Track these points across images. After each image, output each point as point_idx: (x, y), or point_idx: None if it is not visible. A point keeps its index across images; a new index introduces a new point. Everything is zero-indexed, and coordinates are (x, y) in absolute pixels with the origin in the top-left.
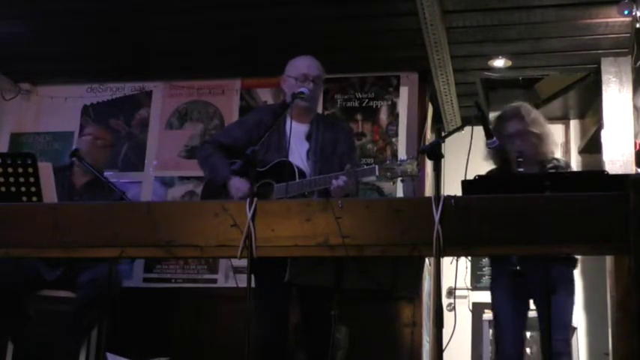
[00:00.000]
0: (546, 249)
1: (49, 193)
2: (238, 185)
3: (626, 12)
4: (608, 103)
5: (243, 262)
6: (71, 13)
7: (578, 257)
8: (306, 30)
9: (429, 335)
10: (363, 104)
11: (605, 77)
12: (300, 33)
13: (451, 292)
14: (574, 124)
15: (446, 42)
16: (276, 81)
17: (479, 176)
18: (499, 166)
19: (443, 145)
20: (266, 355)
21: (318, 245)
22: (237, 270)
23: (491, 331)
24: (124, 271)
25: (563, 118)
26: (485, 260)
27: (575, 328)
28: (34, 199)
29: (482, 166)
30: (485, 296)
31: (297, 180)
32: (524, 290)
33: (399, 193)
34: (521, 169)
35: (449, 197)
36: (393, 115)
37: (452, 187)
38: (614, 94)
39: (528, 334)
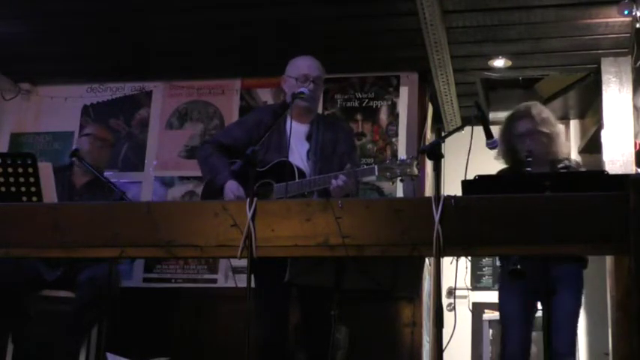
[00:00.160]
0: (546, 249)
1: (49, 193)
2: (230, 190)
3: (626, 12)
4: (608, 103)
5: (243, 262)
6: (71, 13)
7: (587, 257)
8: (306, 30)
9: (429, 335)
10: (363, 104)
11: (605, 77)
12: (300, 33)
13: (451, 292)
14: (574, 124)
15: (446, 42)
16: (276, 81)
17: (479, 176)
18: (510, 165)
19: (443, 145)
20: (266, 355)
21: (318, 245)
22: (237, 270)
23: (491, 331)
24: (124, 271)
25: (563, 118)
26: (486, 260)
27: None
28: (34, 199)
29: (482, 166)
30: (485, 296)
31: (297, 180)
32: (530, 290)
33: (399, 193)
34: (529, 169)
35: (449, 197)
36: (393, 115)
37: (452, 187)
38: (614, 94)
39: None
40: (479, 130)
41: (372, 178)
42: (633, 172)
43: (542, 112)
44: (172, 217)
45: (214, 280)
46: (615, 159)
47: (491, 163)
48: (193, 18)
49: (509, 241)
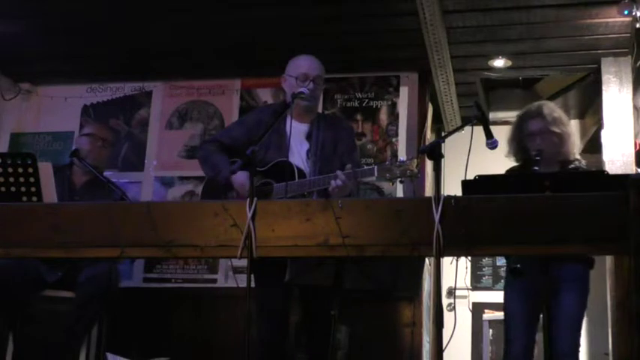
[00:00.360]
0: (546, 249)
1: (49, 193)
2: (242, 181)
3: (626, 12)
4: (608, 103)
5: (243, 262)
6: (71, 13)
7: (593, 257)
8: (306, 30)
9: (429, 335)
10: (363, 104)
11: (605, 77)
12: (300, 33)
13: (451, 292)
14: (574, 124)
15: (446, 42)
16: (276, 81)
17: (479, 176)
18: (520, 164)
19: (443, 145)
20: (266, 355)
21: (318, 245)
22: (237, 270)
23: (491, 331)
24: (124, 271)
25: None
26: (486, 260)
27: None
28: (34, 199)
29: (482, 166)
30: (485, 296)
31: (297, 180)
32: (534, 290)
33: (400, 193)
34: (537, 168)
35: (449, 197)
36: (393, 115)
37: (452, 187)
38: (614, 94)
39: None
40: (479, 130)
41: (372, 179)
42: (633, 172)
43: (554, 111)
44: (172, 217)
45: (214, 280)
46: (615, 159)
47: (491, 163)
48: (193, 18)
49: (509, 241)
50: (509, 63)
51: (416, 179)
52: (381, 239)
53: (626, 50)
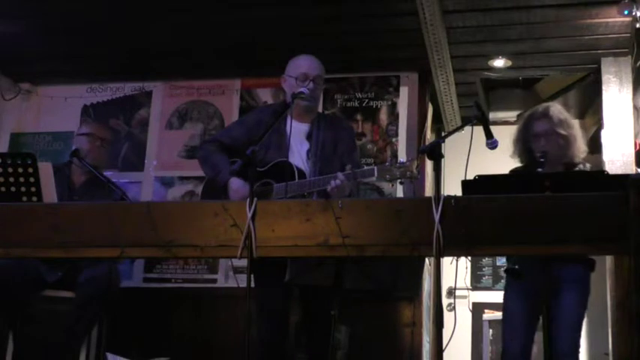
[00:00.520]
0: (546, 249)
1: (49, 193)
2: (236, 187)
3: (626, 12)
4: (608, 103)
5: (243, 262)
6: (71, 13)
7: (594, 259)
8: (306, 30)
9: (429, 335)
10: (363, 104)
11: (605, 77)
12: (300, 33)
13: (451, 292)
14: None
15: (446, 42)
16: (276, 81)
17: (479, 176)
18: (525, 164)
19: (443, 145)
20: (266, 355)
21: (318, 245)
22: (237, 270)
23: (491, 331)
24: (124, 271)
25: None
26: (486, 260)
27: None
28: (34, 199)
29: (482, 166)
30: (485, 296)
31: (297, 180)
32: (533, 291)
33: (400, 194)
34: (540, 170)
35: (449, 197)
36: (393, 115)
37: (452, 187)
38: (614, 94)
39: None
40: (479, 130)
41: (372, 179)
42: (633, 172)
43: (561, 113)
44: (172, 217)
45: (214, 280)
46: (615, 159)
47: (491, 163)
48: (193, 18)
49: (509, 241)
50: (509, 63)
51: (415, 180)
52: (381, 239)
53: (626, 50)
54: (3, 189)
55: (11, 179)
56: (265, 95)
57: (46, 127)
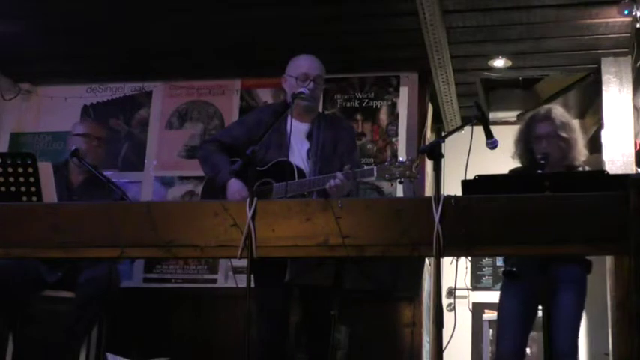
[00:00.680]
0: (546, 249)
1: (49, 193)
2: (234, 190)
3: (626, 12)
4: (608, 103)
5: (243, 262)
6: (71, 13)
7: (591, 260)
8: (306, 30)
9: (429, 335)
10: (363, 104)
11: (605, 77)
12: (300, 33)
13: (451, 292)
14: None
15: (446, 42)
16: (276, 81)
17: (479, 176)
18: (525, 165)
19: (443, 145)
20: (266, 355)
21: (318, 245)
22: (237, 270)
23: (491, 331)
24: (124, 271)
25: None
26: (486, 260)
27: None
28: (34, 199)
29: (482, 166)
30: (485, 296)
31: (297, 180)
32: (529, 291)
33: (400, 193)
34: (541, 172)
35: (449, 197)
36: (393, 115)
37: (452, 187)
38: (614, 94)
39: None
40: (479, 130)
41: (371, 179)
42: (633, 172)
43: (563, 116)
44: (172, 217)
45: (214, 280)
46: (615, 159)
47: (491, 163)
48: (193, 18)
49: (509, 241)
50: (509, 63)
51: (415, 180)
52: (381, 239)
53: (626, 50)
54: (3, 189)
55: (11, 179)
56: (265, 95)
57: (46, 127)
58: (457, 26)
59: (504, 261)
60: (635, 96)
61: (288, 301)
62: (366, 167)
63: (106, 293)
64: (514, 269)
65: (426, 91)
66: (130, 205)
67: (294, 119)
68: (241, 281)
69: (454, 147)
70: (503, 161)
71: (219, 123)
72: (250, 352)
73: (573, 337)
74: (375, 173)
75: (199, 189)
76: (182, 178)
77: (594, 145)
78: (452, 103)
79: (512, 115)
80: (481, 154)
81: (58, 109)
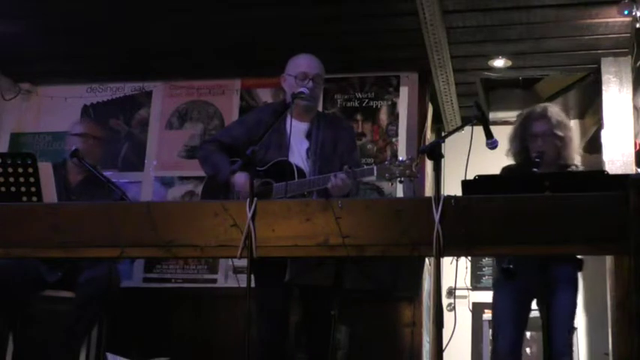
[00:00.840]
0: (546, 249)
1: (49, 193)
2: (242, 182)
3: (626, 12)
4: (608, 103)
5: (243, 262)
6: (71, 13)
7: (582, 259)
8: (306, 30)
9: (429, 335)
10: (363, 104)
11: (605, 77)
12: (300, 33)
13: (451, 292)
14: (574, 124)
15: (446, 42)
16: (276, 81)
17: (479, 176)
18: (519, 163)
19: (443, 145)
20: (266, 355)
21: (318, 245)
22: (237, 270)
23: (491, 331)
24: (124, 271)
25: None
26: (486, 260)
27: (575, 329)
28: (34, 199)
29: (482, 166)
30: (485, 296)
31: (297, 180)
32: (523, 290)
33: (400, 193)
34: (536, 170)
35: (449, 197)
36: (393, 115)
37: (452, 187)
38: (614, 94)
39: (528, 334)
40: (479, 130)
41: (371, 178)
42: (633, 172)
43: (559, 115)
44: (172, 217)
45: (214, 280)
46: (615, 159)
47: (491, 163)
48: (193, 18)
49: (509, 241)
50: (509, 63)
51: (415, 179)
52: (381, 239)
53: (626, 50)
54: (3, 189)
55: (11, 179)
56: (265, 95)
57: (46, 127)
58: (457, 26)
59: (498, 260)
60: (635, 96)
61: (288, 301)
62: (365, 167)
63: (106, 293)
64: (511, 266)
65: (426, 91)
66: (130, 205)
67: (294, 119)
68: (241, 281)
69: (454, 147)
70: (503, 161)
71: (219, 123)
72: (250, 352)
73: (569, 337)
74: (375, 172)
75: (199, 189)
76: (182, 178)
77: (594, 145)
78: (452, 103)
79: (512, 115)
80: (481, 154)
81: (58, 109)
